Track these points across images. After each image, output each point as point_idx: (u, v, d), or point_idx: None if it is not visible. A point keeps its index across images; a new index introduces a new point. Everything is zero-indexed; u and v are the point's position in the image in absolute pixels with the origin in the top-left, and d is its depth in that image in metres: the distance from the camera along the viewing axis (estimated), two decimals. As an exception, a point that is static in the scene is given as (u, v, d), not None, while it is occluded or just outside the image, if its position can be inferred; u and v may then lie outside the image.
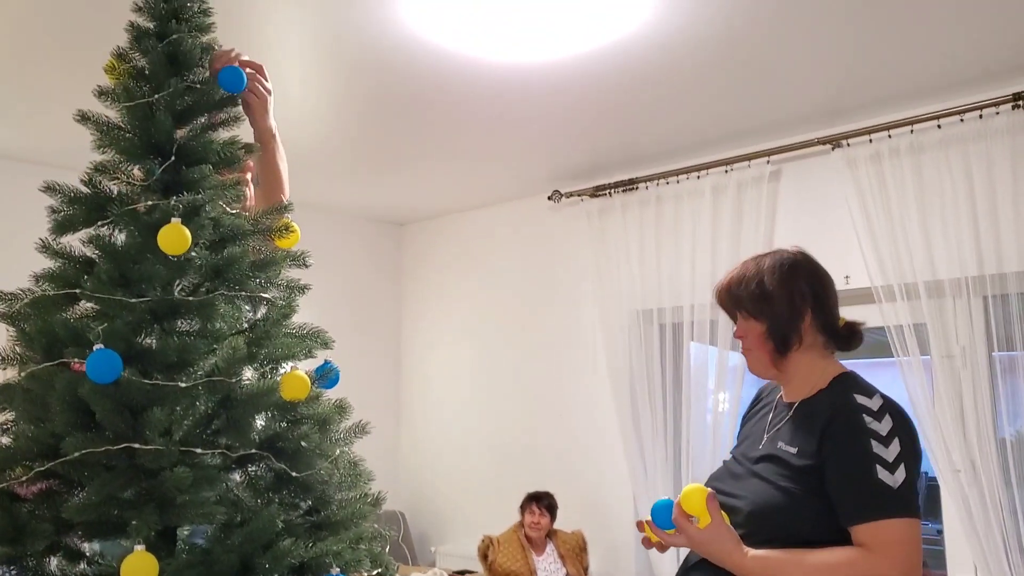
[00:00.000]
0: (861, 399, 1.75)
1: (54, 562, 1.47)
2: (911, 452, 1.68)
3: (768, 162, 4.11)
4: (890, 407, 1.74)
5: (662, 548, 1.91)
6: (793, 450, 1.77)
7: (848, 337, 1.97)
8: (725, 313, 2.01)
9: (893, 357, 3.61)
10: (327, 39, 3.16)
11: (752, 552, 1.70)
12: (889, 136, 3.70)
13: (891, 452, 1.66)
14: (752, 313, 1.91)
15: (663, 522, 1.82)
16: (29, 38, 3.10)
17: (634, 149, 4.41)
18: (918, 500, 1.67)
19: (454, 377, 5.71)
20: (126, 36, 1.58)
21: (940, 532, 3.68)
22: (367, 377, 5.78)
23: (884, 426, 1.69)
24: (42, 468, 1.39)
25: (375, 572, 1.56)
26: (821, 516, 1.70)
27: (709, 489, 1.79)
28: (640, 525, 1.91)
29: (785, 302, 1.88)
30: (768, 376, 1.96)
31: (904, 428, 1.71)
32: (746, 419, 2.12)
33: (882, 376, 4.29)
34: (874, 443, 1.67)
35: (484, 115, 3.92)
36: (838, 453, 1.69)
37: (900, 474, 1.64)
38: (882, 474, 1.64)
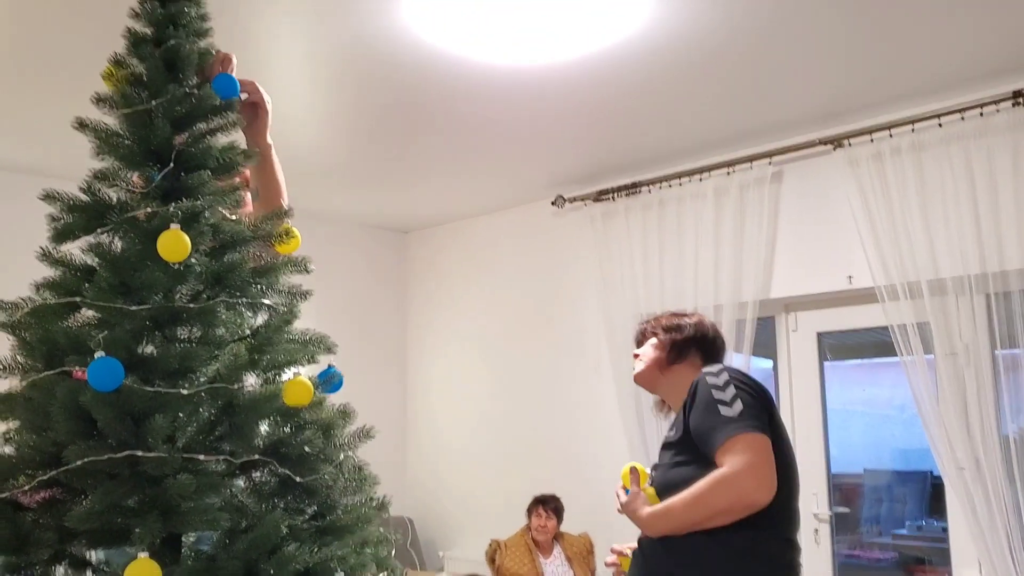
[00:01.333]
0: (706, 369, 2.19)
1: (60, 571, 1.47)
2: (747, 393, 2.08)
3: (770, 163, 4.11)
4: (728, 369, 2.17)
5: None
6: (672, 431, 2.24)
7: None
8: (636, 339, 2.51)
9: (897, 356, 3.61)
10: (328, 47, 3.16)
11: (650, 508, 2.12)
12: (890, 135, 3.70)
13: (727, 394, 2.07)
14: (657, 333, 2.41)
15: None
16: (28, 49, 3.11)
17: (636, 152, 4.41)
18: (759, 423, 2.04)
19: (460, 383, 5.71)
20: (123, 43, 1.58)
21: (945, 530, 3.67)
22: (373, 384, 5.77)
23: (720, 379, 2.12)
24: (45, 477, 1.39)
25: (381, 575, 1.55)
26: (697, 475, 2.04)
27: (632, 464, 2.25)
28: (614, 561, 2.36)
29: (684, 325, 2.40)
30: (651, 380, 2.40)
31: (738, 379, 2.12)
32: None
33: (886, 375, 4.29)
34: (714, 391, 2.09)
35: (486, 121, 3.92)
36: (694, 411, 2.12)
37: (737, 406, 2.04)
38: (723, 410, 2.05)
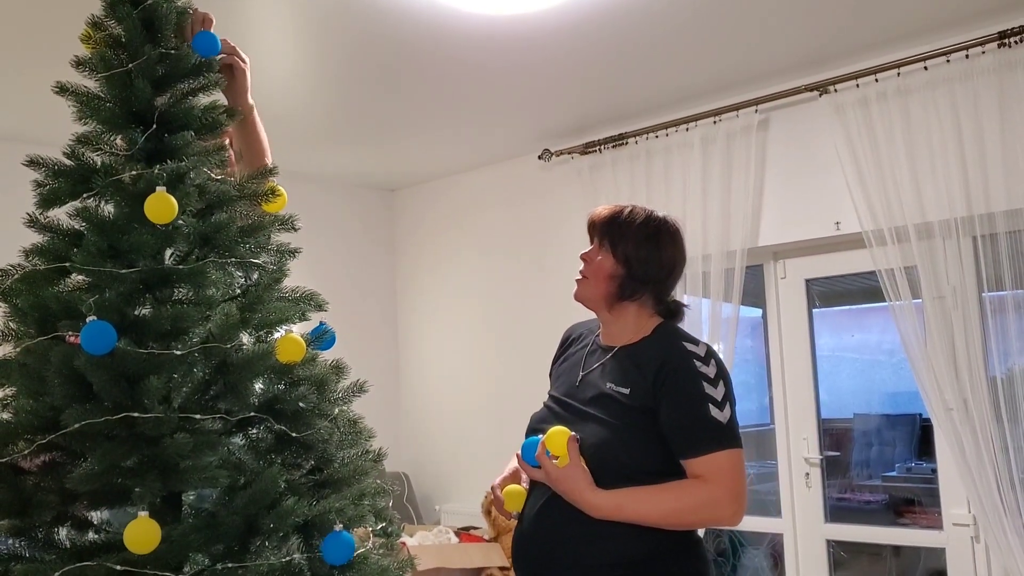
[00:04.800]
0: (690, 347, 1.95)
1: (63, 532, 1.49)
2: (732, 394, 1.93)
3: (756, 111, 4.10)
4: (713, 354, 1.95)
5: (508, 517, 2.12)
6: (625, 391, 1.96)
7: (673, 311, 2.11)
8: (588, 233, 2.17)
9: (885, 302, 3.63)
10: (309, 1, 3.13)
11: (601, 492, 1.88)
12: (876, 80, 3.69)
13: (719, 393, 1.89)
14: (616, 251, 2.07)
15: (528, 457, 1.98)
16: (3, 14, 3.07)
17: (622, 104, 4.39)
18: (739, 433, 1.91)
19: (452, 338, 5.73)
20: (100, 5, 1.57)
21: (934, 471, 3.72)
22: (366, 343, 5.80)
23: (711, 370, 1.91)
24: (43, 441, 1.40)
25: (379, 526, 1.58)
26: (653, 451, 1.91)
27: (572, 432, 1.94)
28: (492, 498, 2.11)
29: (650, 262, 2.05)
30: (593, 307, 2.14)
31: (725, 372, 1.94)
32: (558, 362, 2.32)
33: (875, 321, 4.33)
34: (705, 385, 1.89)
35: (470, 73, 3.89)
36: (674, 395, 1.90)
37: (727, 411, 1.89)
38: (714, 412, 1.87)
